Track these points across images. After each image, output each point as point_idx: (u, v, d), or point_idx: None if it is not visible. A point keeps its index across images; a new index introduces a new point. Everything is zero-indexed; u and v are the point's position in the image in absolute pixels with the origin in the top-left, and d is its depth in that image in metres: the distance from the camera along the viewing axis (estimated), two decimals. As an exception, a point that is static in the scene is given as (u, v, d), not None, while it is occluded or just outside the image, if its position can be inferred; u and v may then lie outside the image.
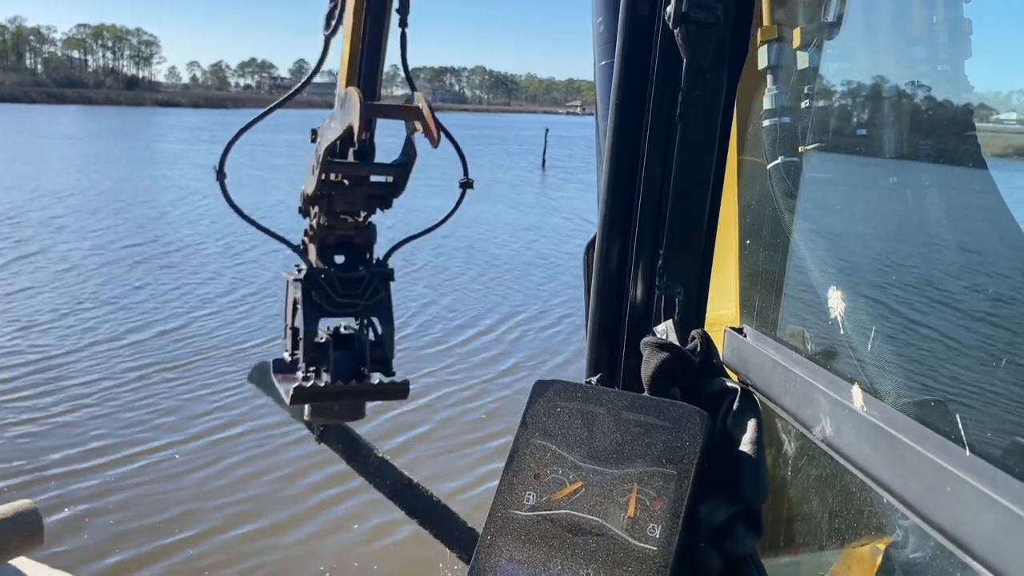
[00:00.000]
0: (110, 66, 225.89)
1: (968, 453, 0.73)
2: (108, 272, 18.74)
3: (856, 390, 0.87)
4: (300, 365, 3.81)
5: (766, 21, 1.36)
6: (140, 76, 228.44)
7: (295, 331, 3.85)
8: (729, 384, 0.99)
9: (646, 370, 1.01)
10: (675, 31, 1.07)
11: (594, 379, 1.08)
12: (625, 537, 0.85)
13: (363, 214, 3.79)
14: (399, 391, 3.91)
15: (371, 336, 3.94)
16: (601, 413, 0.94)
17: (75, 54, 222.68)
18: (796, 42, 1.34)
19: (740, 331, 1.09)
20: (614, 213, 1.18)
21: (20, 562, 4.92)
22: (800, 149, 1.36)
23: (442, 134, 3.08)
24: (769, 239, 1.34)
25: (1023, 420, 1.01)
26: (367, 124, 3.20)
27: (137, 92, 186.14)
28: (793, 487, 1.26)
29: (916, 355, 1.17)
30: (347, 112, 3.06)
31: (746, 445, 0.94)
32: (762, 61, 1.38)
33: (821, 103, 1.38)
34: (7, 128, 71.95)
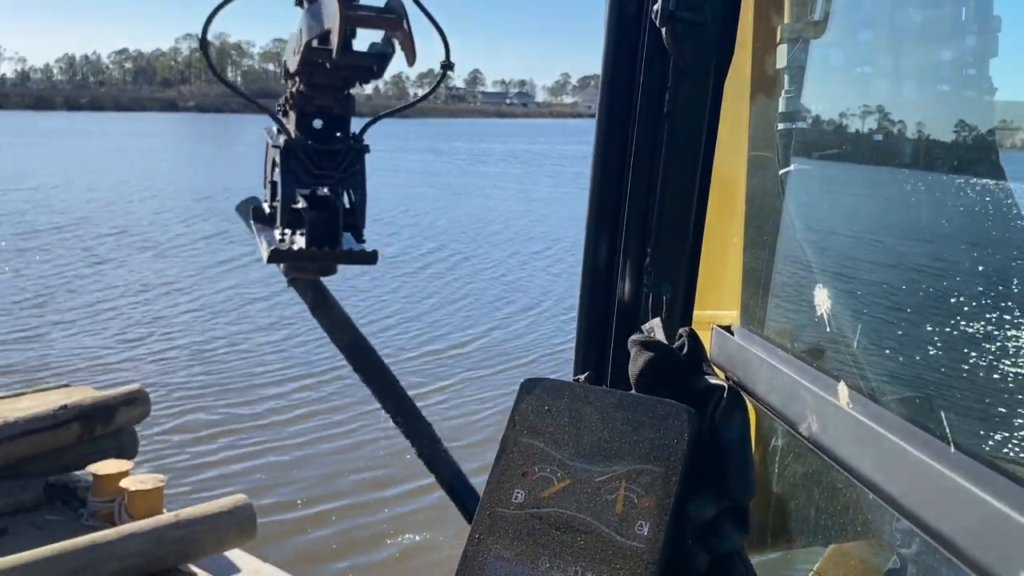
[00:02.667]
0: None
1: (953, 450, 0.72)
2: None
3: (842, 387, 0.86)
4: (277, 226, 3.93)
5: (787, 18, 1.34)
6: None
7: (274, 185, 3.96)
8: (716, 382, 0.97)
9: (633, 368, 1.00)
10: (662, 29, 1.06)
11: (582, 377, 1.06)
12: (613, 535, 0.84)
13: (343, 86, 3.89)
14: (368, 258, 4.14)
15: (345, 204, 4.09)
16: (589, 411, 0.92)
17: (270, 67, 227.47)
18: (813, 42, 1.32)
19: (728, 329, 1.09)
20: (601, 211, 1.17)
21: (234, 554, 4.95)
22: (815, 154, 1.35)
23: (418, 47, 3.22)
24: (770, 239, 1.33)
25: (1008, 417, 1.02)
26: (345, 30, 3.28)
27: None
28: (780, 484, 1.26)
29: (902, 352, 1.17)
30: (321, 16, 3.14)
31: (733, 442, 0.92)
32: (780, 61, 1.35)
33: (836, 108, 1.37)
34: (211, 137, 76.95)
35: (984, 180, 1.31)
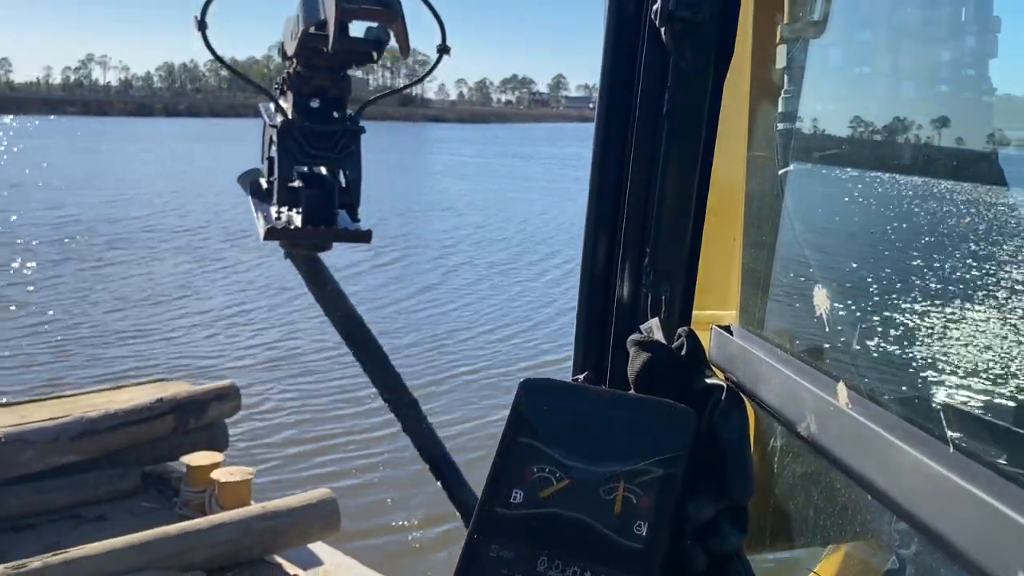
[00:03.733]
0: (388, 84, 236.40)
1: (952, 450, 0.71)
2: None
3: (841, 388, 0.85)
4: (274, 203, 3.94)
5: (787, 18, 1.31)
6: (413, 93, 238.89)
7: (271, 161, 3.99)
8: (715, 382, 0.96)
9: (632, 368, 0.99)
10: (662, 29, 1.05)
11: (581, 377, 1.05)
12: (612, 535, 0.83)
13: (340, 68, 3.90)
14: (362, 236, 4.16)
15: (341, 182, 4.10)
16: (588, 411, 0.92)
17: (359, 74, 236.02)
18: (813, 41, 1.30)
19: (727, 329, 1.08)
20: (600, 211, 1.17)
21: (317, 547, 5.14)
22: (814, 155, 1.32)
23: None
24: (769, 239, 1.31)
25: (1007, 417, 0.99)
26: (341, 24, 3.31)
27: (410, 108, 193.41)
28: (779, 484, 1.24)
29: (901, 353, 1.14)
30: (319, 5, 3.20)
31: (732, 443, 0.91)
32: (780, 61, 1.33)
33: (836, 108, 1.34)
34: None
35: (982, 183, 1.27)
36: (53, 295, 17.51)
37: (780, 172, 1.27)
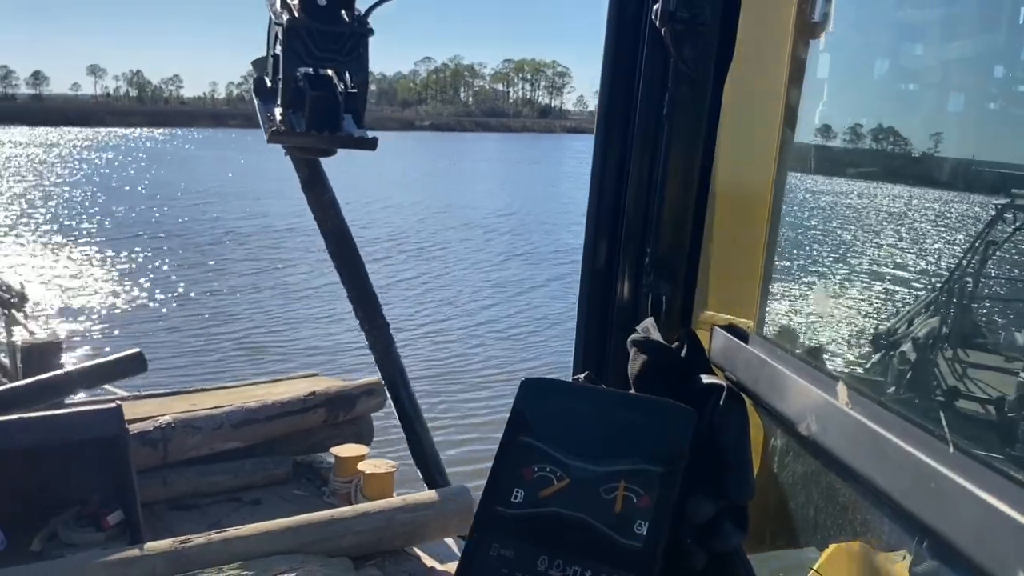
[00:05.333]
0: (527, 96, 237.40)
1: (952, 450, 0.72)
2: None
3: (841, 387, 0.85)
4: (278, 104, 3.92)
5: (831, 27, 1.26)
6: (552, 105, 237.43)
7: (276, 58, 3.96)
8: (715, 382, 0.96)
9: (632, 368, 1.00)
10: (662, 30, 1.04)
11: (581, 377, 1.06)
12: (612, 534, 0.83)
13: None
14: (368, 143, 3.94)
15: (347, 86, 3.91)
16: (588, 411, 0.92)
17: (499, 87, 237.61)
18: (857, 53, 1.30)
19: (728, 329, 1.07)
20: (601, 212, 1.17)
21: (453, 541, 5.34)
22: (816, 163, 1.25)
23: None
24: (766, 241, 1.30)
25: (1006, 418, 0.99)
26: None
27: (549, 120, 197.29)
28: (779, 483, 1.24)
29: (901, 354, 1.09)
30: None
31: (732, 442, 0.92)
32: (821, 71, 1.28)
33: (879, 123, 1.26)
34: (447, 154, 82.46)
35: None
36: (242, 296, 18.90)
37: (779, 177, 1.24)
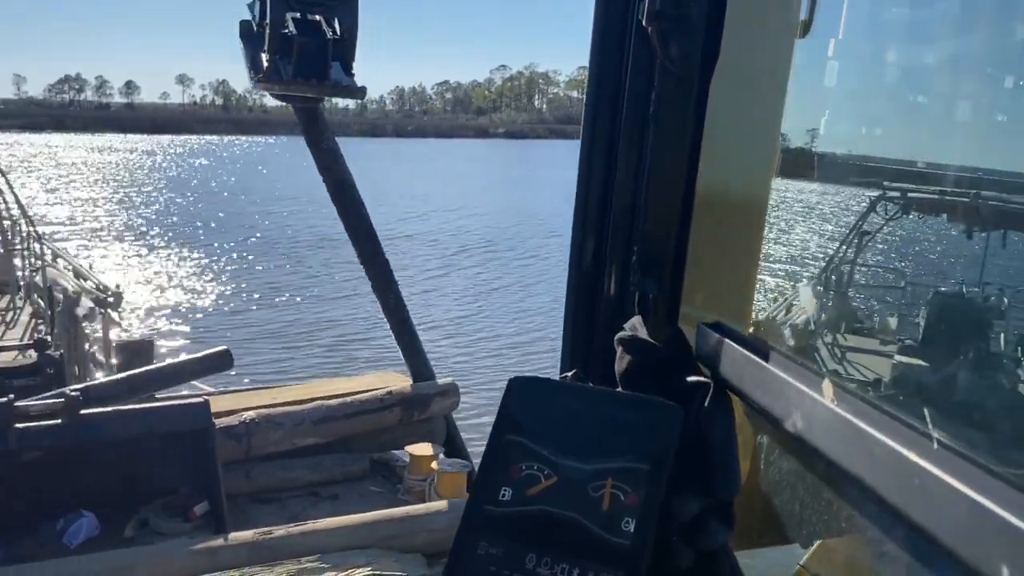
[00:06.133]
0: None
1: (936, 446, 0.71)
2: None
3: (826, 384, 0.85)
4: (265, 49, 3.63)
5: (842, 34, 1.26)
6: None
7: (263, 1, 3.66)
8: (702, 379, 0.96)
9: (619, 366, 0.99)
10: (648, 28, 1.03)
11: (569, 375, 1.05)
12: (599, 532, 0.83)
13: None
14: (356, 92, 3.73)
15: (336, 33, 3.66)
16: (576, 409, 0.91)
17: (575, 93, 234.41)
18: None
19: (713, 326, 1.05)
20: (587, 210, 1.16)
21: None
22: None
23: None
24: (755, 239, 1.28)
25: (990, 414, 0.95)
26: None
27: None
28: (765, 480, 1.23)
29: (886, 351, 1.06)
30: None
31: (719, 439, 0.92)
32: (829, 79, 1.27)
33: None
34: (518, 162, 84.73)
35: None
36: (326, 297, 19.49)
37: (773, 176, 1.23)
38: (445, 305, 19.99)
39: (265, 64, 3.63)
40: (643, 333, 1.00)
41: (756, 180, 1.24)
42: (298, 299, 20.30)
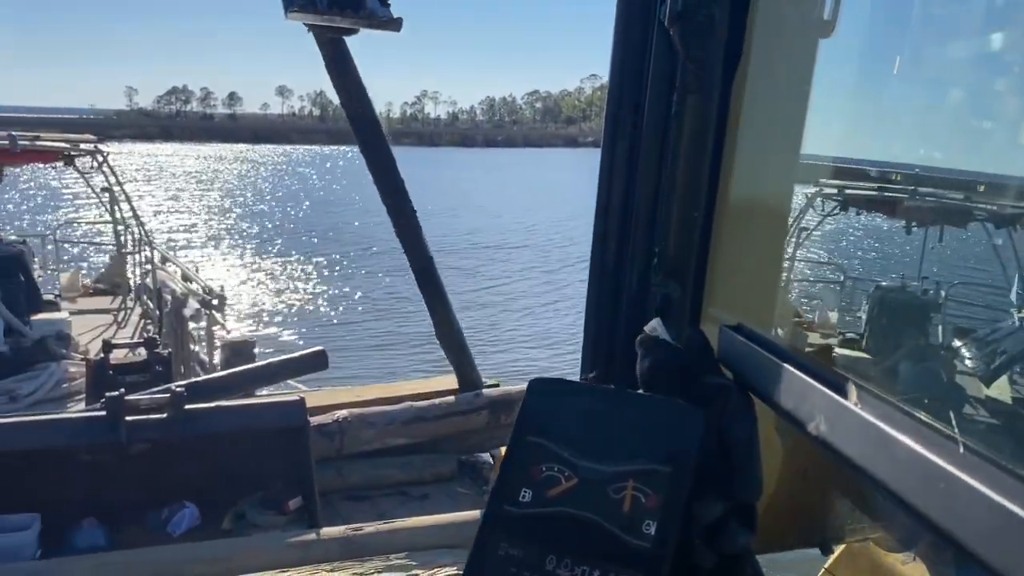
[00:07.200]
0: None
1: (962, 450, 0.71)
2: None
3: (851, 387, 0.83)
4: None
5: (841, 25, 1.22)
6: None
7: None
8: (724, 382, 0.95)
9: (640, 368, 0.98)
10: (671, 29, 1.03)
11: (590, 377, 1.05)
12: (620, 534, 0.82)
13: None
14: (393, 24, 3.58)
15: None
16: (597, 410, 0.91)
17: None
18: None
19: (736, 328, 1.04)
20: (609, 211, 1.15)
21: None
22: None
23: None
24: (779, 241, 1.29)
25: (1017, 418, 0.81)
26: None
27: None
28: (788, 484, 1.21)
29: (912, 354, 0.98)
30: None
31: (741, 442, 0.91)
32: (831, 71, 1.26)
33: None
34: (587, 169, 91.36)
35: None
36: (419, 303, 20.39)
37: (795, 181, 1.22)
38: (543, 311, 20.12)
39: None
40: (664, 335, 1.00)
41: (779, 181, 1.24)
42: (390, 304, 20.76)
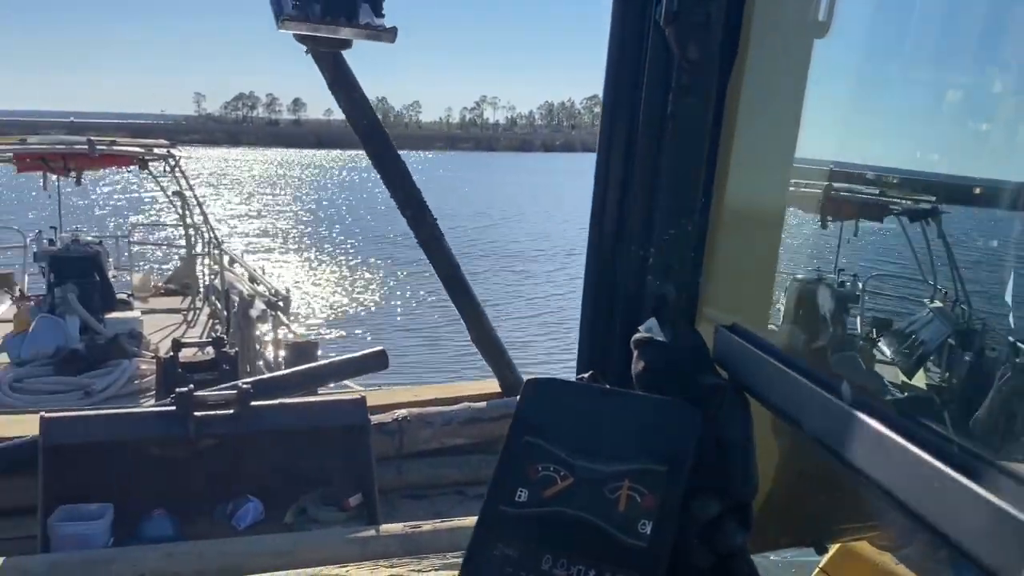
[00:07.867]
0: None
1: (957, 450, 0.70)
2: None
3: (845, 387, 0.83)
4: None
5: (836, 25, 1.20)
6: None
7: None
8: (719, 382, 0.95)
9: (636, 368, 0.98)
10: (666, 29, 1.02)
11: (585, 376, 1.05)
12: (616, 533, 0.82)
13: None
14: (386, 34, 3.45)
15: None
16: (592, 410, 0.90)
17: None
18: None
19: (731, 328, 1.03)
20: (605, 211, 1.14)
21: None
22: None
23: None
24: (774, 241, 1.26)
25: (1010, 417, 0.93)
26: None
27: None
28: (782, 483, 1.20)
29: (906, 354, 1.01)
30: None
31: (736, 442, 0.91)
32: (826, 71, 1.22)
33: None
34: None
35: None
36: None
37: (791, 180, 1.22)
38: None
39: (292, 5, 3.54)
40: (660, 335, 0.99)
41: (774, 182, 1.22)
42: (448, 307, 21.16)
